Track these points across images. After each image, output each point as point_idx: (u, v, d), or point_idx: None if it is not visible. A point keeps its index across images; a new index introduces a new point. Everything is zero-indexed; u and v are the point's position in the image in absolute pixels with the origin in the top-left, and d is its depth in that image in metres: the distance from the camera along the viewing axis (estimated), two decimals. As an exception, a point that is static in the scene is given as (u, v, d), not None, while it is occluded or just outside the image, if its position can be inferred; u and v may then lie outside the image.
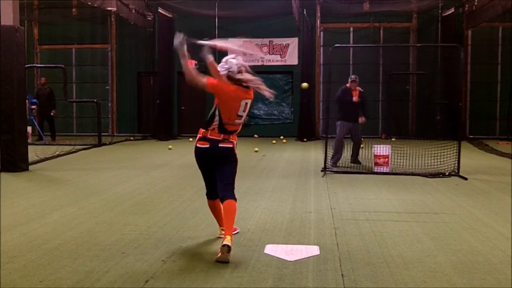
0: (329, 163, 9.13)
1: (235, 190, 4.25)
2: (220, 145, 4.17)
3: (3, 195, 6.48)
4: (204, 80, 4.15)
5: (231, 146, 4.23)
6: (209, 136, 4.18)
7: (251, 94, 4.29)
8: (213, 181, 4.32)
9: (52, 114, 14.73)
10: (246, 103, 4.24)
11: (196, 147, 4.26)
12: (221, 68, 4.18)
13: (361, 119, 9.64)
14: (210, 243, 4.40)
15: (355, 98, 9.51)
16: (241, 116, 4.24)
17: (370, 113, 16.00)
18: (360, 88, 9.75)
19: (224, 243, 3.85)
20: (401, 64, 16.11)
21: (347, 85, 9.70)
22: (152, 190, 7.03)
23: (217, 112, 4.17)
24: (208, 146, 4.18)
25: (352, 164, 9.61)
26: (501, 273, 3.66)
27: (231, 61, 4.18)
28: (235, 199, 4.18)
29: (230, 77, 4.16)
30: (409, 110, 16.91)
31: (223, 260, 3.84)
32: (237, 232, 4.67)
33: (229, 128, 4.21)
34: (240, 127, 4.34)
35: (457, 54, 9.00)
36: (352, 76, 9.75)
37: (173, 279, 3.52)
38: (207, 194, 4.48)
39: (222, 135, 4.18)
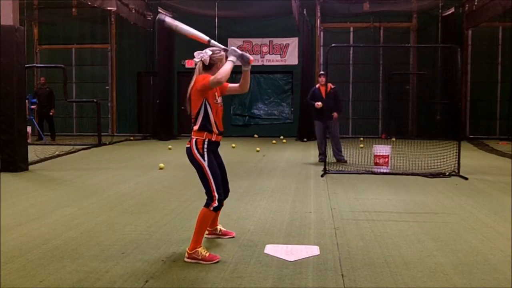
0: (319, 159, 9.66)
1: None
2: (186, 145, 4.05)
3: (3, 195, 6.48)
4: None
5: (188, 146, 4.00)
6: None
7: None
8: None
9: (51, 114, 14.73)
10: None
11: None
12: (197, 54, 4.01)
13: (334, 115, 9.75)
14: (210, 243, 4.39)
15: (317, 104, 9.63)
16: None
17: (367, 112, 16.09)
18: (331, 85, 9.80)
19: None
20: (401, 64, 16.12)
21: (317, 85, 9.93)
22: (152, 190, 7.03)
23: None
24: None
25: (348, 163, 9.70)
26: (501, 273, 3.66)
27: (206, 51, 4.00)
28: (206, 206, 3.95)
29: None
30: (409, 110, 16.92)
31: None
32: (232, 237, 4.56)
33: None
34: (194, 119, 3.96)
35: (454, 54, 8.99)
36: (321, 72, 9.97)
37: (173, 279, 3.52)
38: None
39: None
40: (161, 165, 9.23)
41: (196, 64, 4.04)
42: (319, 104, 9.60)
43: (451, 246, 4.34)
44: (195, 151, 3.94)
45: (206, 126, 3.94)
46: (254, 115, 17.30)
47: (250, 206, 5.96)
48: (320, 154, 9.95)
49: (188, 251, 3.88)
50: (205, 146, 3.94)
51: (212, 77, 3.82)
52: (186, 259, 3.87)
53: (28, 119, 11.22)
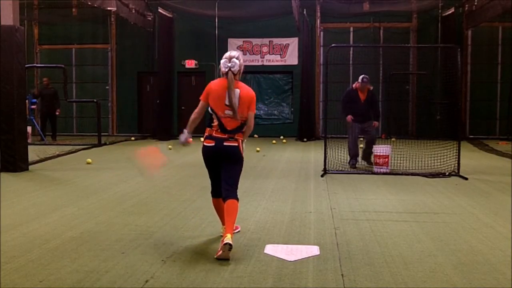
0: (348, 164, 9.35)
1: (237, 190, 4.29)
2: (225, 143, 4.19)
3: (3, 195, 6.48)
4: (200, 103, 4.30)
5: (236, 145, 4.23)
6: (214, 135, 4.21)
7: (238, 85, 4.22)
8: (219, 180, 4.34)
9: (57, 113, 14.70)
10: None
11: (203, 146, 4.29)
12: (223, 65, 4.19)
13: (374, 124, 9.36)
14: (210, 242, 4.40)
15: (349, 118, 9.24)
16: (229, 106, 4.14)
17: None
18: (369, 86, 9.44)
19: (226, 241, 3.88)
20: (401, 64, 16.11)
21: (353, 86, 9.43)
22: (152, 190, 7.03)
23: (210, 110, 4.25)
24: (213, 144, 4.21)
25: (363, 162, 9.58)
26: (501, 273, 3.66)
27: (234, 61, 4.17)
28: (237, 199, 4.21)
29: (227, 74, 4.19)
30: (409, 110, 16.91)
31: (224, 258, 3.88)
32: (238, 231, 4.73)
33: (228, 124, 4.18)
34: (242, 124, 4.25)
35: (454, 54, 9.00)
36: (363, 77, 9.30)
37: (173, 279, 3.52)
38: (212, 192, 4.51)
39: (227, 134, 4.19)
40: (89, 160, 9.84)
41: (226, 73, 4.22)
42: (350, 118, 9.23)
43: (451, 246, 4.34)
44: (242, 150, 4.31)
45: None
46: (254, 115, 17.27)
47: (250, 206, 5.96)
48: (351, 159, 9.45)
49: (231, 235, 3.97)
50: None
51: (251, 122, 4.35)
52: (231, 242, 3.89)
53: (28, 119, 11.23)
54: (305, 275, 3.61)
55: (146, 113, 17.56)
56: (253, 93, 4.33)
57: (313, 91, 16.73)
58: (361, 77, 9.32)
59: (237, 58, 4.21)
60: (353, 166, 9.31)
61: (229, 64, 4.16)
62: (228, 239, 3.89)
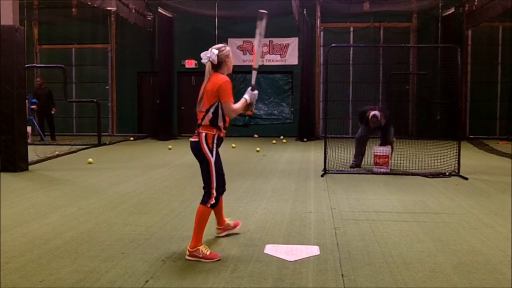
0: (351, 163, 9.34)
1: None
2: (191, 139, 4.07)
3: (3, 195, 6.48)
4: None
5: (196, 140, 3.99)
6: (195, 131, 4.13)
7: (212, 76, 4.01)
8: None
9: (53, 112, 14.74)
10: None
11: None
12: (203, 57, 4.03)
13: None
14: (210, 243, 4.39)
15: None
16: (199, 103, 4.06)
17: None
18: (381, 123, 9.00)
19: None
20: (401, 64, 16.11)
21: (368, 112, 9.05)
22: (152, 190, 7.03)
23: None
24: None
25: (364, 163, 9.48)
26: (501, 273, 3.66)
27: (212, 52, 4.01)
28: (205, 204, 4.02)
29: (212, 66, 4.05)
30: (409, 110, 16.92)
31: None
32: (239, 228, 4.75)
33: (198, 117, 4.05)
34: (202, 116, 3.99)
35: (454, 54, 9.00)
36: (372, 116, 8.89)
37: (173, 279, 3.52)
38: None
39: (196, 129, 4.04)
40: (90, 160, 10.04)
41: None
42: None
43: (451, 246, 4.34)
44: (205, 145, 3.97)
45: (215, 123, 3.98)
46: (254, 115, 17.28)
47: (250, 206, 5.96)
48: (354, 159, 9.37)
49: (189, 249, 3.91)
50: (214, 141, 3.99)
51: (230, 105, 3.93)
52: (187, 257, 3.90)
53: (28, 119, 11.23)
54: (305, 275, 3.61)
55: (146, 113, 17.57)
56: (222, 81, 3.92)
57: (313, 91, 16.73)
58: (371, 114, 8.90)
59: (217, 49, 4.01)
60: (353, 166, 9.30)
61: (208, 55, 4.00)
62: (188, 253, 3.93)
